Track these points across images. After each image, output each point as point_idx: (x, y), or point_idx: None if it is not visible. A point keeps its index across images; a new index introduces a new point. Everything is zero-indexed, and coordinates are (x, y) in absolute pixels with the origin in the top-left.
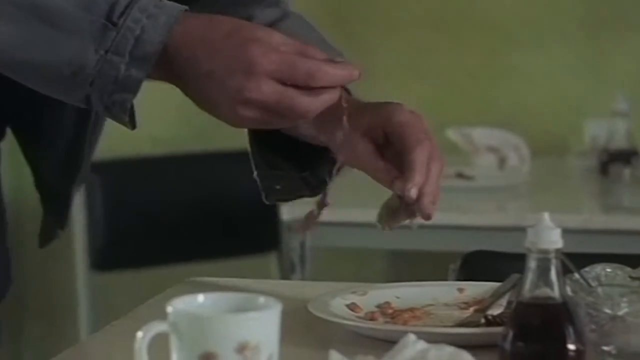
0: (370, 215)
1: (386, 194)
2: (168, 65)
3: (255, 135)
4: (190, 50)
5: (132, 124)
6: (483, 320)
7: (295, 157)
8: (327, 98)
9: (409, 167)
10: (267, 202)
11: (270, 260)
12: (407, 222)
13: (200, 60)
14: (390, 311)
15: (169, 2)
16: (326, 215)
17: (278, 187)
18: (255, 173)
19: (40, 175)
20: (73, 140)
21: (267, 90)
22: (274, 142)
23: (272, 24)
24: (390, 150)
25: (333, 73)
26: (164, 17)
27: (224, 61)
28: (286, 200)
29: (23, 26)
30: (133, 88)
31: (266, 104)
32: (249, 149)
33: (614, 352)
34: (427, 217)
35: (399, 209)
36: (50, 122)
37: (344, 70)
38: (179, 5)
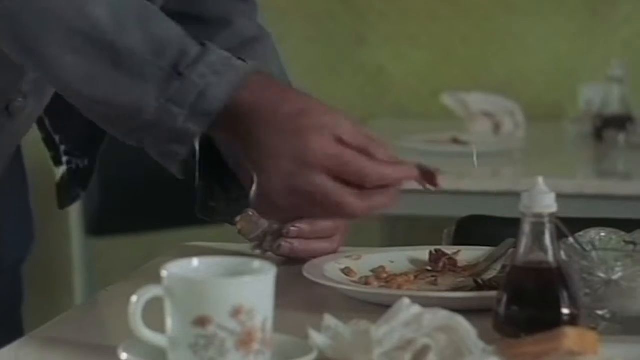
0: None
1: None
2: (227, 127)
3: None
4: (252, 122)
5: (182, 173)
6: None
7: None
8: (378, 202)
9: None
10: (198, 215)
11: None
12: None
13: (260, 134)
14: (384, 275)
15: (239, 62)
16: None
17: (213, 204)
18: (197, 184)
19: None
20: None
21: (317, 182)
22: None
23: (249, 41)
24: None
25: (387, 175)
26: (231, 78)
27: (282, 143)
28: (212, 220)
29: (89, 61)
30: (187, 141)
31: (313, 196)
32: (197, 156)
33: (607, 316)
34: None
35: None
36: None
37: (401, 172)
38: (250, 65)
